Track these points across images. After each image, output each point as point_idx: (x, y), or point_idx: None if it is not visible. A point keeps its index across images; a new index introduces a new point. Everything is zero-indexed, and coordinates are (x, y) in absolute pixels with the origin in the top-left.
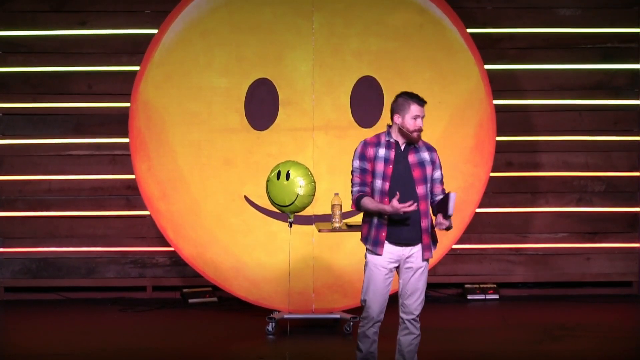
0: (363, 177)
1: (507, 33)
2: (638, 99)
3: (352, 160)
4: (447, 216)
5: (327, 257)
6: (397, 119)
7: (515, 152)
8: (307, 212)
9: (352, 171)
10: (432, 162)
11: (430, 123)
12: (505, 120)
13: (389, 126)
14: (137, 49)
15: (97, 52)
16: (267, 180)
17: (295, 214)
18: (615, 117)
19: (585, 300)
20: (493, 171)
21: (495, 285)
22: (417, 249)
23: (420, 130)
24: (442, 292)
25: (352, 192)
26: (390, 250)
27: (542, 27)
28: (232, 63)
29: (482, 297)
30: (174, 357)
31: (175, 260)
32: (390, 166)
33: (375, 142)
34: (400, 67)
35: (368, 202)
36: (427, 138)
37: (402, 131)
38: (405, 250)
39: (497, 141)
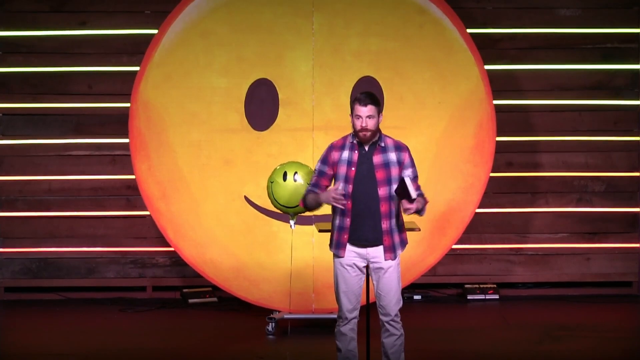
0: (319, 179)
1: (507, 33)
2: (638, 99)
3: (317, 162)
4: (411, 200)
5: (327, 257)
6: (351, 119)
7: (515, 152)
8: (307, 212)
9: (314, 172)
10: (400, 163)
11: (430, 123)
12: (505, 120)
13: None
14: (137, 49)
15: (97, 52)
16: (272, 182)
17: (299, 215)
18: (615, 117)
19: (585, 300)
20: (493, 171)
21: (495, 285)
22: (381, 250)
23: (364, 130)
24: (442, 292)
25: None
26: (353, 250)
27: (542, 27)
28: (232, 63)
29: (482, 297)
30: (174, 357)
31: (175, 260)
32: (353, 168)
33: (341, 145)
34: (400, 67)
35: (310, 197)
36: (427, 138)
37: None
38: (369, 251)
39: (497, 141)
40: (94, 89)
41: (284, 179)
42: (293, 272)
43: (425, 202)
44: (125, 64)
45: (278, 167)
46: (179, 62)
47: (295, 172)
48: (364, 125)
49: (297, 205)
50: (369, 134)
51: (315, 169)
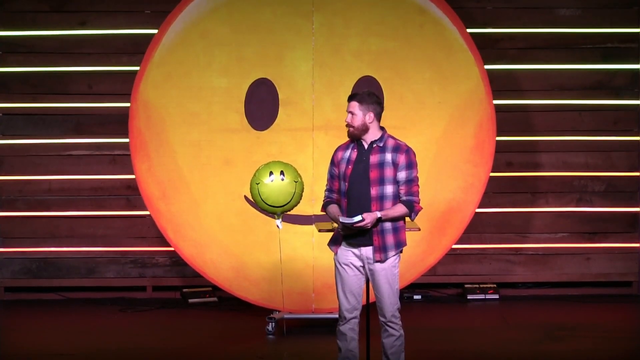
0: (331, 182)
1: (507, 33)
2: (638, 99)
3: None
4: (352, 224)
5: (327, 257)
6: None
7: (515, 152)
8: (307, 212)
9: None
10: (395, 164)
11: (430, 123)
12: (505, 120)
13: None
14: (137, 49)
15: (97, 52)
16: (257, 183)
17: (286, 213)
18: (615, 117)
19: (585, 300)
20: (493, 171)
21: (495, 285)
22: (372, 251)
23: (347, 125)
24: (442, 292)
25: (324, 194)
26: (348, 249)
27: (542, 27)
28: (232, 63)
29: (482, 297)
30: (174, 357)
31: (175, 260)
32: (350, 167)
33: (346, 145)
34: (400, 67)
35: (331, 210)
36: (427, 138)
37: None
38: (362, 251)
39: (497, 141)
40: (94, 89)
41: (270, 179)
42: (293, 272)
43: (415, 210)
44: (125, 64)
45: (261, 168)
46: (179, 62)
47: (281, 171)
48: (346, 120)
49: (286, 204)
50: (351, 129)
51: (328, 172)
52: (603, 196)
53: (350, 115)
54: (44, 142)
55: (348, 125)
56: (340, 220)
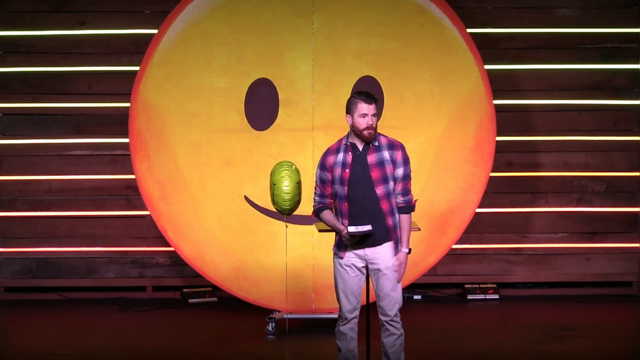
0: (323, 187)
1: (507, 33)
2: (638, 99)
3: (316, 168)
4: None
5: (327, 257)
6: (349, 119)
7: (515, 152)
8: (307, 212)
9: (315, 179)
10: (393, 161)
11: (430, 123)
12: (505, 120)
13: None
14: (137, 49)
15: (97, 52)
16: (297, 182)
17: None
18: (615, 117)
19: (585, 300)
20: (493, 171)
21: (495, 285)
22: (381, 249)
23: (369, 128)
24: (442, 292)
25: (313, 199)
26: (352, 251)
27: (542, 27)
28: (232, 63)
29: (482, 297)
30: (174, 357)
31: (175, 260)
32: (347, 170)
33: (336, 148)
34: (400, 67)
35: (327, 217)
36: (427, 138)
37: (355, 132)
38: (367, 252)
39: (497, 141)
40: (94, 89)
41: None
42: (293, 272)
43: (413, 208)
44: (125, 64)
45: (289, 168)
46: (179, 62)
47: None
48: (370, 123)
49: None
50: (374, 132)
51: (316, 177)
52: (603, 196)
53: (373, 117)
54: (44, 142)
55: (372, 128)
56: (350, 231)
